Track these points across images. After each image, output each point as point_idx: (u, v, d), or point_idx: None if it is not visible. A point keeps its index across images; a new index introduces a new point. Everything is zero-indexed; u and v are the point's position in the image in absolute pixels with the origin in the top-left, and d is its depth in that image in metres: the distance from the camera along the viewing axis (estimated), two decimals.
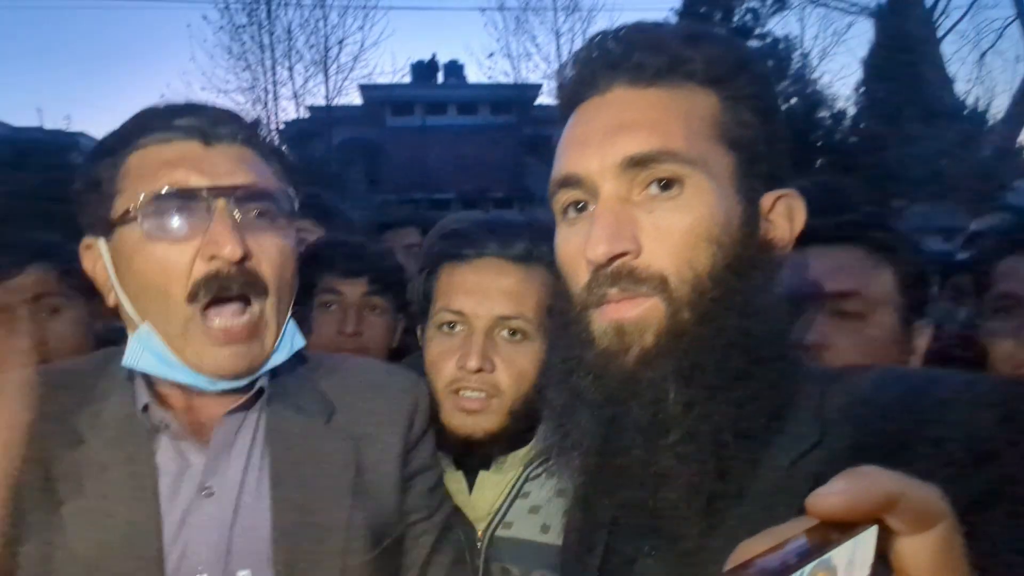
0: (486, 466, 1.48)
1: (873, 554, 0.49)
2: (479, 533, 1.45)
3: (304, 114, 22.59)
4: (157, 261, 1.07)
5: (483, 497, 1.47)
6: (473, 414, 1.42)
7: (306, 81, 21.88)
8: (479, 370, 1.41)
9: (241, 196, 1.10)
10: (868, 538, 0.48)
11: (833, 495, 0.48)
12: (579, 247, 0.92)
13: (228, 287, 1.07)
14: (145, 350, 1.10)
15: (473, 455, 1.47)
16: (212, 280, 1.07)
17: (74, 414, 1.13)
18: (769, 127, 0.96)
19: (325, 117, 22.41)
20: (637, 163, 0.90)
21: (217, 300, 1.08)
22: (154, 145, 1.11)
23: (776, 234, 0.96)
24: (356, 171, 22.08)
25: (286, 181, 1.20)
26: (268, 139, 1.20)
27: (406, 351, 2.17)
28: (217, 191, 1.08)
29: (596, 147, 0.92)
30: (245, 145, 1.15)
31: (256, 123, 1.20)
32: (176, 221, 1.07)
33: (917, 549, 0.50)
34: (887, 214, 1.60)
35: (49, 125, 20.18)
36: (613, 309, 0.91)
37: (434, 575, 1.30)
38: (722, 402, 0.87)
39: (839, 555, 0.47)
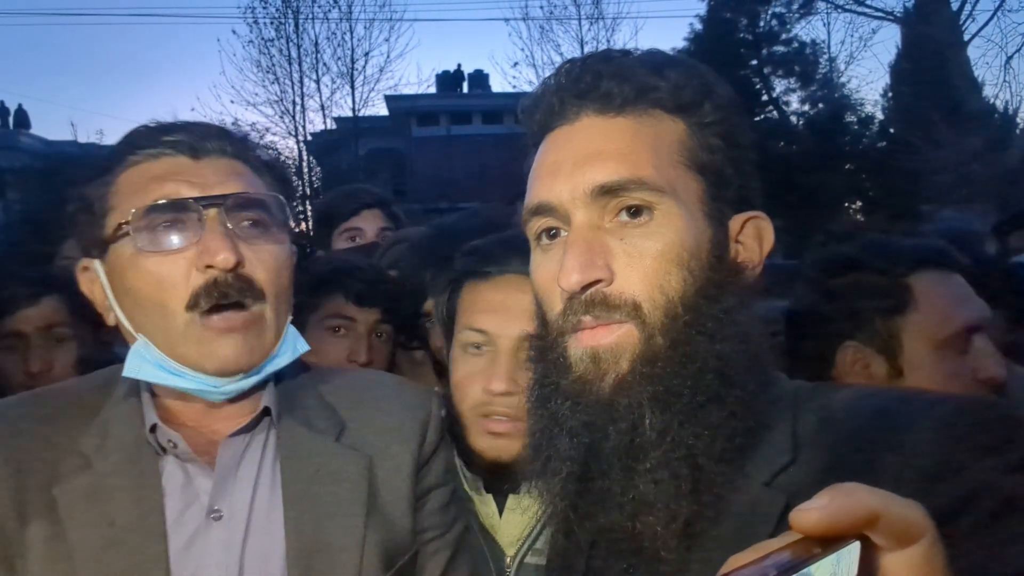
0: (516, 490, 1.41)
1: (856, 569, 0.49)
2: (508, 559, 1.40)
3: (331, 125, 22.78)
4: (152, 274, 1.08)
5: (513, 522, 1.41)
6: (502, 437, 1.36)
7: (333, 93, 22.16)
8: (506, 393, 1.35)
9: (232, 205, 1.09)
10: (851, 553, 0.49)
11: (815, 510, 0.48)
12: (553, 273, 0.94)
13: (226, 294, 1.08)
14: (144, 361, 1.10)
15: (503, 478, 1.41)
16: (211, 288, 1.07)
17: (79, 438, 1.11)
18: (736, 151, 0.97)
19: (352, 128, 22.60)
20: (607, 191, 0.91)
21: (216, 307, 1.08)
22: (144, 162, 1.12)
23: (746, 256, 0.97)
24: (382, 181, 22.17)
25: (279, 192, 1.18)
26: (258, 153, 1.22)
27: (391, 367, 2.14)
28: (208, 201, 1.08)
29: (567, 176, 0.94)
30: (234, 158, 1.16)
31: (245, 137, 1.21)
32: (169, 233, 1.07)
33: (900, 564, 0.50)
34: None
35: (83, 139, 20.55)
36: (588, 336, 0.92)
37: None
38: (697, 425, 0.88)
39: (820, 569, 0.47)
